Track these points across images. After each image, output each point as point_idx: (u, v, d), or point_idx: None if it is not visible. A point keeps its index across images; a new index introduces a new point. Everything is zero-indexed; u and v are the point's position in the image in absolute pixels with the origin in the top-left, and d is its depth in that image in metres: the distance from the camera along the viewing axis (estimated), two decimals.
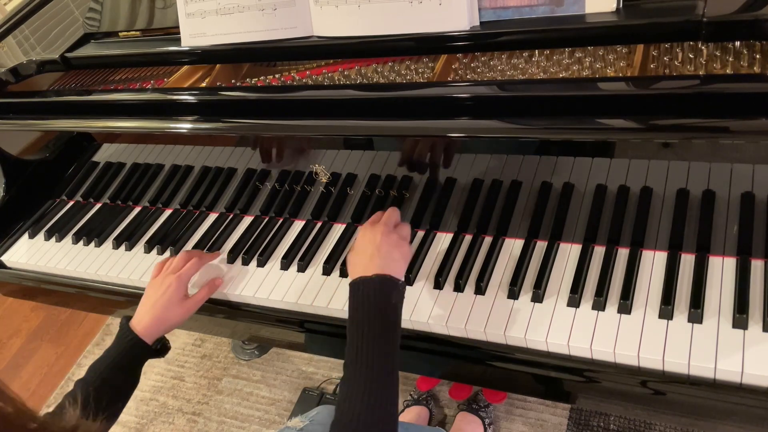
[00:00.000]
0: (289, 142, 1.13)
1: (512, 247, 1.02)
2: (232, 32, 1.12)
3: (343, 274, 1.08)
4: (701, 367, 0.80)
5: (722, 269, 0.88)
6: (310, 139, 1.09)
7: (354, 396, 0.79)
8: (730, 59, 0.83)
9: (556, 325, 0.90)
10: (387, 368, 0.82)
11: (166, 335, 1.08)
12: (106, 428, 0.91)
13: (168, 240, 1.26)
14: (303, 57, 1.14)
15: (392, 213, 1.02)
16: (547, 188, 0.98)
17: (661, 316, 0.86)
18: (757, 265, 0.87)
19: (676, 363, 0.81)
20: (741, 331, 0.81)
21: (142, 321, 1.01)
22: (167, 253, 1.25)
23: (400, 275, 0.91)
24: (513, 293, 0.95)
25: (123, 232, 1.32)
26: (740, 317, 0.81)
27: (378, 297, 0.86)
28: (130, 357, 0.99)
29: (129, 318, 1.03)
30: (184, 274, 1.07)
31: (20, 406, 0.61)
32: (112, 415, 0.95)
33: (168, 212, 1.34)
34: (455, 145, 1.00)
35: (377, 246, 0.92)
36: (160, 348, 1.07)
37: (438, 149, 1.01)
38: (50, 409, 0.91)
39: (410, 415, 1.69)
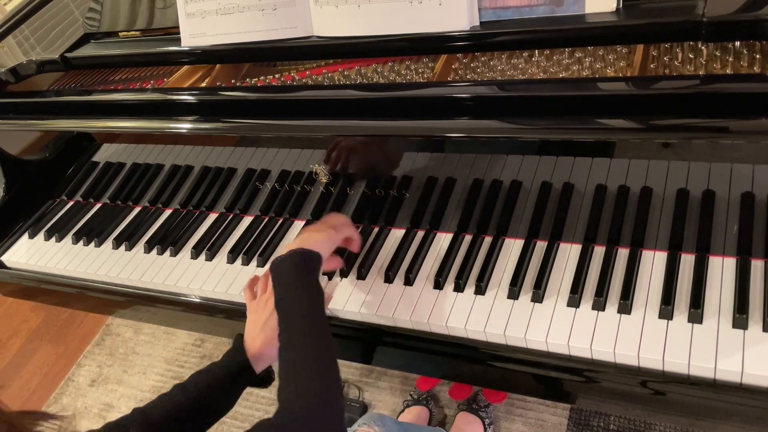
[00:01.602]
0: (288, 141, 1.13)
1: (512, 247, 1.02)
2: (232, 32, 1.12)
3: (344, 274, 1.08)
4: (701, 367, 0.80)
5: (722, 269, 0.88)
6: (310, 139, 1.09)
7: (297, 367, 0.80)
8: (730, 59, 0.83)
9: (556, 325, 0.89)
10: (318, 326, 0.86)
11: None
12: None
13: (168, 240, 1.26)
14: (303, 57, 1.14)
15: (331, 216, 1.07)
16: (547, 188, 0.98)
17: (661, 316, 0.86)
18: (757, 265, 0.87)
19: (676, 363, 0.81)
20: (741, 331, 0.81)
21: (255, 343, 0.94)
22: (167, 253, 1.24)
23: (319, 250, 0.95)
24: (513, 293, 0.95)
25: (123, 232, 1.32)
26: (740, 317, 0.81)
27: (295, 265, 0.91)
28: (233, 379, 0.92)
29: (242, 336, 0.97)
30: None
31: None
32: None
33: (168, 212, 1.34)
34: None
35: (301, 235, 0.99)
36: (264, 377, 0.97)
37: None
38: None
39: (410, 415, 1.69)
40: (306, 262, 0.92)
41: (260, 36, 1.11)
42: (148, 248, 1.27)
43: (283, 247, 1.00)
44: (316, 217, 1.19)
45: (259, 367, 0.93)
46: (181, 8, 1.16)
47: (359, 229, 1.14)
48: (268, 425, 0.74)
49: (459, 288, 0.99)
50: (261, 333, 0.94)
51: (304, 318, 0.86)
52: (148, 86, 1.22)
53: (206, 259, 1.20)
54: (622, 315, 0.88)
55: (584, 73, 0.91)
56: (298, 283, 0.89)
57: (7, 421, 0.60)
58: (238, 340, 0.96)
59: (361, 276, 1.06)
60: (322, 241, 0.97)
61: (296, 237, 1.00)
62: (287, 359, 0.82)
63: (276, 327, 0.89)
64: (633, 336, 0.85)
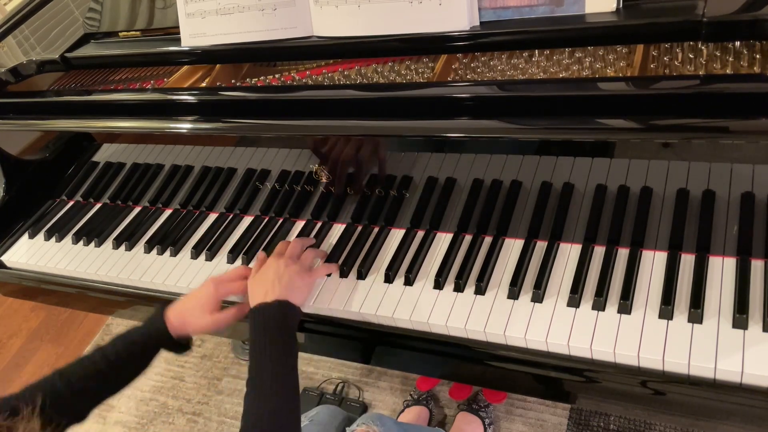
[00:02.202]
0: (288, 141, 1.13)
1: (512, 247, 1.02)
2: (232, 32, 1.12)
3: (344, 274, 1.08)
4: (701, 367, 0.80)
5: (722, 269, 0.88)
6: (310, 139, 1.09)
7: (260, 410, 0.85)
8: (730, 59, 0.83)
9: (556, 325, 0.90)
10: (288, 383, 0.88)
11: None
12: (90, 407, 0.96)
13: (168, 240, 1.26)
14: (303, 57, 1.14)
15: (296, 244, 1.08)
16: (547, 188, 0.98)
17: (661, 316, 0.86)
18: (757, 265, 0.87)
19: (676, 363, 0.81)
20: (741, 331, 0.81)
21: (172, 313, 0.99)
22: (167, 253, 1.25)
23: (299, 302, 0.99)
24: (513, 293, 0.95)
25: (123, 232, 1.32)
26: (740, 317, 0.81)
27: (277, 321, 0.93)
28: (150, 342, 0.98)
29: (167, 304, 1.01)
30: (221, 288, 1.02)
31: None
32: (107, 393, 0.98)
33: (168, 212, 1.34)
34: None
35: (279, 275, 0.99)
36: (181, 343, 1.01)
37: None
38: None
39: (410, 415, 1.69)
40: (289, 315, 0.96)
41: (260, 36, 1.11)
42: (148, 248, 1.27)
43: (267, 283, 0.99)
44: (315, 217, 1.19)
45: (174, 334, 0.98)
46: (181, 8, 1.16)
47: (359, 230, 1.14)
48: None
49: (459, 288, 0.99)
50: (180, 308, 0.99)
51: (275, 364, 0.89)
52: (148, 86, 1.22)
53: (206, 259, 1.20)
54: (622, 315, 0.88)
55: (584, 73, 0.91)
56: (276, 332, 0.93)
57: None
58: (161, 306, 1.01)
59: (361, 276, 1.06)
60: (306, 288, 1.02)
61: (278, 279, 0.99)
62: (251, 404, 0.86)
63: (191, 310, 0.98)
64: (633, 336, 0.85)
